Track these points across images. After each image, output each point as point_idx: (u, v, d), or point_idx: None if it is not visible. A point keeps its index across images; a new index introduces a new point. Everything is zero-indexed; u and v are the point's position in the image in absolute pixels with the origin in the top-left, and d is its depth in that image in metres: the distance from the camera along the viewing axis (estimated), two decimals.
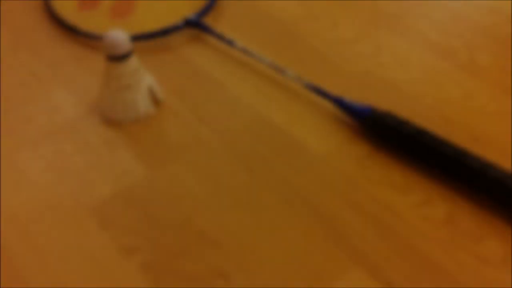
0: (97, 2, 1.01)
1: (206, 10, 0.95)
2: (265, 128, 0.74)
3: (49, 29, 0.95)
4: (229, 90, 0.81)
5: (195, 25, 0.91)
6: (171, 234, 0.61)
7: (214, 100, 0.81)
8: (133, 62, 0.78)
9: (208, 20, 0.93)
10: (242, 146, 0.72)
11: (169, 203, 0.66)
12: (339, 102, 0.74)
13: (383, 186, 0.62)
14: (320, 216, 0.59)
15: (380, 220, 0.58)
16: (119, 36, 0.74)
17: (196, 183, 0.68)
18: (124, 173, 0.70)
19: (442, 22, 0.91)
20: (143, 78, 0.79)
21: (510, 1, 0.95)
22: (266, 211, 0.61)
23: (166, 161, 0.72)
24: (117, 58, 0.76)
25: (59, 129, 0.77)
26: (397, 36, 0.88)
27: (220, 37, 0.88)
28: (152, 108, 0.80)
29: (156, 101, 0.81)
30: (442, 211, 0.59)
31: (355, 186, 0.63)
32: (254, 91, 0.79)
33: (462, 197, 0.60)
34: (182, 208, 0.64)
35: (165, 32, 0.92)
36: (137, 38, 0.87)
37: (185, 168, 0.70)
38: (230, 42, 0.87)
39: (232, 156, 0.70)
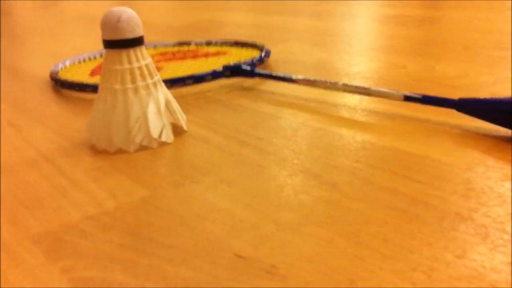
0: None
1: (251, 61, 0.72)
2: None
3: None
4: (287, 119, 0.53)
5: (237, 70, 0.67)
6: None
7: (267, 127, 0.52)
8: (145, 55, 0.51)
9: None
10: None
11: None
12: (473, 103, 0.45)
13: None
14: None
15: None
16: (123, 13, 0.50)
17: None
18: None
19: None
20: (157, 90, 0.52)
21: None
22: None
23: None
24: (120, 44, 0.50)
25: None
26: None
27: (273, 76, 0.63)
28: (169, 133, 0.51)
29: (174, 123, 0.53)
30: None
31: None
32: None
33: None
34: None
35: (208, 76, 0.67)
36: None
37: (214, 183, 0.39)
38: (288, 79, 0.61)
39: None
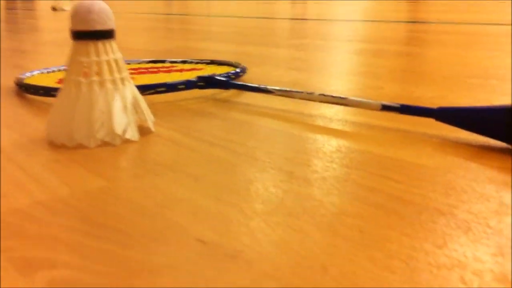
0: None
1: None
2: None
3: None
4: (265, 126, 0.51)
5: (211, 81, 0.65)
6: None
7: (246, 131, 0.49)
8: (114, 50, 0.49)
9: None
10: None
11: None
12: (460, 112, 0.44)
13: None
14: None
15: None
16: (94, 4, 0.47)
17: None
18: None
19: None
20: (125, 86, 0.49)
21: None
22: None
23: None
24: (88, 35, 0.47)
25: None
26: None
27: (248, 87, 0.61)
28: (134, 131, 0.48)
29: (140, 124, 0.50)
30: None
31: None
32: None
33: None
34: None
35: (181, 85, 0.64)
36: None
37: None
38: (263, 89, 0.59)
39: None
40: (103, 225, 0.31)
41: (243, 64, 0.82)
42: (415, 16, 2.00)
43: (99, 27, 0.47)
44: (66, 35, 1.64)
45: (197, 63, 0.89)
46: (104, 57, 0.48)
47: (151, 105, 0.61)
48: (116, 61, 0.49)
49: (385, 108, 0.50)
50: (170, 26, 1.95)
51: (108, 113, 0.47)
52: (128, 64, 0.91)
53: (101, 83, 0.48)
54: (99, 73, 0.48)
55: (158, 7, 3.79)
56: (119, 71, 0.49)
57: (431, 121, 0.51)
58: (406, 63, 0.90)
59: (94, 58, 0.48)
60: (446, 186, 0.36)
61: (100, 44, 0.48)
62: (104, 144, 0.47)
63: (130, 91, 0.49)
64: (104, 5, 0.48)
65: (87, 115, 0.46)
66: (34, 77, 0.80)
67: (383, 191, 0.35)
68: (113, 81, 0.48)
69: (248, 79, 0.77)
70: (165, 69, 0.85)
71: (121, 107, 0.48)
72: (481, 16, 1.74)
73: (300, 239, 0.29)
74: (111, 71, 0.48)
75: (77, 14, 0.47)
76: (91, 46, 0.48)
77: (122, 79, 0.49)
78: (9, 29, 2.07)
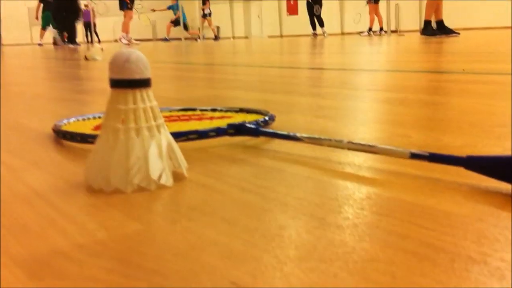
0: None
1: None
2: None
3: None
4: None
5: (241, 129, 0.67)
6: None
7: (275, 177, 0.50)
8: (151, 98, 0.51)
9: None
10: None
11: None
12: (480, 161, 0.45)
13: None
14: None
15: None
16: (132, 54, 0.50)
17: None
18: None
19: None
20: (160, 133, 0.51)
21: None
22: None
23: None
24: (127, 84, 0.49)
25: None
26: None
27: (277, 134, 0.63)
28: (169, 177, 0.50)
29: (174, 171, 0.51)
30: None
31: None
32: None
33: None
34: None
35: (212, 132, 0.67)
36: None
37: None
38: (292, 136, 0.61)
39: None
40: (140, 266, 0.32)
41: (271, 112, 0.84)
42: (438, 67, 2.02)
43: (137, 76, 0.50)
44: (99, 84, 1.69)
45: (226, 111, 0.91)
46: (141, 105, 0.50)
47: (183, 152, 0.63)
48: (152, 108, 0.51)
49: (414, 156, 0.51)
50: (198, 75, 2.00)
51: (144, 159, 0.48)
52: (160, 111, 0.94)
53: (138, 130, 0.49)
54: (136, 120, 0.50)
55: (184, 56, 3.89)
56: (155, 118, 0.51)
57: (460, 169, 0.51)
58: (431, 111, 0.91)
59: (131, 105, 0.50)
60: (478, 234, 0.36)
61: (137, 92, 0.50)
62: (140, 189, 0.48)
63: (165, 137, 0.51)
64: (141, 55, 0.51)
65: (124, 161, 0.48)
66: (71, 124, 0.82)
67: (414, 238, 0.35)
68: (149, 128, 0.50)
69: (276, 127, 0.78)
70: (196, 116, 0.87)
71: (157, 153, 0.49)
72: (505, 66, 1.75)
73: (333, 285, 0.29)
74: (147, 118, 0.50)
75: (116, 63, 0.50)
76: (129, 94, 0.50)
77: (158, 126, 0.51)
78: (45, 77, 2.15)
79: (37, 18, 11.34)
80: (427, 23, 5.47)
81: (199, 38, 11.13)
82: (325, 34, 9.41)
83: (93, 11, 13.61)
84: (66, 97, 1.34)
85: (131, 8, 8.78)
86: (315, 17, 9.45)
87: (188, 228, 0.39)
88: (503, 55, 2.40)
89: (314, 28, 9.51)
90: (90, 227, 0.39)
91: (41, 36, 11.17)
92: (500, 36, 5.18)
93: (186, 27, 11.12)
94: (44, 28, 11.20)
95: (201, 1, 11.62)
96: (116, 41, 12.01)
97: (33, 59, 4.27)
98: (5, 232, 0.39)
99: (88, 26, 12.66)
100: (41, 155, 0.65)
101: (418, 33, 6.29)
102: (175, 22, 11.18)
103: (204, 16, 11.51)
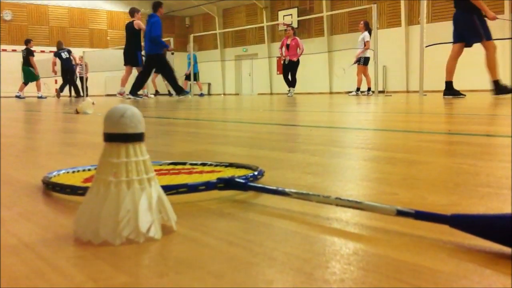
0: None
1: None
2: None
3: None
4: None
5: (231, 183, 0.68)
6: None
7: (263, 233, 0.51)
8: (143, 152, 0.52)
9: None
10: None
11: None
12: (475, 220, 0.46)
13: None
14: None
15: None
16: (127, 109, 0.51)
17: None
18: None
19: None
20: (151, 186, 0.52)
21: None
22: None
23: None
24: (122, 138, 0.51)
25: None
26: None
27: (266, 189, 0.64)
28: (158, 230, 0.50)
29: (163, 224, 0.52)
30: None
31: None
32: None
33: None
34: None
35: (202, 186, 0.67)
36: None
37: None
38: (281, 191, 0.62)
39: None
40: None
41: (260, 167, 0.85)
42: (423, 127, 2.06)
43: (130, 130, 0.51)
44: (89, 137, 1.70)
45: (216, 165, 0.92)
46: (133, 158, 0.51)
47: (173, 205, 0.64)
48: (144, 162, 0.52)
49: (400, 213, 0.52)
50: (188, 130, 2.02)
51: (134, 211, 0.49)
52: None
53: (129, 183, 0.50)
54: (127, 173, 0.50)
55: (175, 111, 3.93)
56: (147, 171, 0.52)
57: (445, 227, 0.52)
58: (417, 171, 0.93)
59: (124, 159, 0.51)
60: None
61: (130, 146, 0.51)
62: (128, 241, 0.48)
63: (156, 190, 0.52)
64: (135, 110, 0.52)
65: (114, 213, 0.49)
66: (61, 176, 0.83)
67: None
68: (140, 181, 0.51)
69: (265, 182, 0.79)
70: (186, 170, 0.88)
71: (147, 206, 0.50)
72: (488, 128, 1.79)
73: None
74: (139, 172, 0.51)
75: (111, 118, 0.51)
76: (122, 147, 0.51)
77: (149, 179, 0.52)
78: (34, 130, 2.16)
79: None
80: (496, 83, 5.45)
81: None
82: (290, 94, 9.65)
83: (86, 66, 13.86)
84: (56, 150, 1.35)
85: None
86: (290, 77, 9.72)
87: (175, 281, 0.39)
88: (486, 117, 2.46)
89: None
90: (78, 279, 0.39)
91: (21, 89, 12.10)
92: (483, 98, 5.31)
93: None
94: (25, 83, 12.00)
95: None
96: (109, 95, 12.28)
97: (24, 112, 4.29)
98: None
99: (81, 81, 13.13)
100: (30, 206, 0.65)
101: (404, 93, 6.38)
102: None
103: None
